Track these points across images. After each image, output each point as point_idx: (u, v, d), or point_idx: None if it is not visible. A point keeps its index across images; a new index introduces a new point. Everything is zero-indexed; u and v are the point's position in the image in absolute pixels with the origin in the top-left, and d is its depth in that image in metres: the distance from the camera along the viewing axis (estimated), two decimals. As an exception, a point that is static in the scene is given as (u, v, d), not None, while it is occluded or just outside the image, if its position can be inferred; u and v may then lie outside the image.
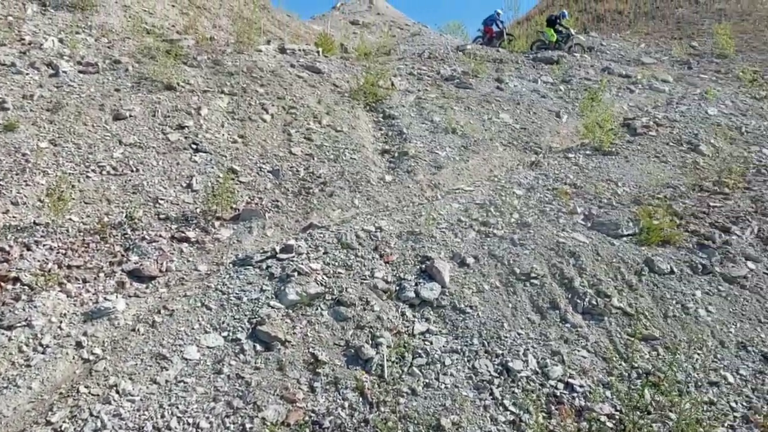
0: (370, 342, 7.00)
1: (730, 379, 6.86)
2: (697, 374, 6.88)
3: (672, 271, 8.52)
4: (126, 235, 8.59)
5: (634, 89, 17.08)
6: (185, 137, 10.88)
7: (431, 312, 7.60)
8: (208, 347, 6.77)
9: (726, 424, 6.25)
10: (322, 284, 7.76)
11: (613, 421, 6.19)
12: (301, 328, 7.14)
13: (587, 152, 12.45)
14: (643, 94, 16.82)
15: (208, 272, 8.22)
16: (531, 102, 15.16)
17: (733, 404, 6.54)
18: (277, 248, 8.39)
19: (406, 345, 7.00)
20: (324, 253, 8.38)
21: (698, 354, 7.18)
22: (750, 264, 8.77)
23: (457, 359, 6.89)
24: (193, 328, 7.00)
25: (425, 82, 15.43)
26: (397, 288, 7.89)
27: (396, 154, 11.82)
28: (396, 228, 9.12)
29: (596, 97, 14.99)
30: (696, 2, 26.20)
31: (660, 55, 21.20)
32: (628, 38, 23.29)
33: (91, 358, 6.50)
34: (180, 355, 6.61)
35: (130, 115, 11.05)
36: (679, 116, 14.56)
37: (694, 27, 23.85)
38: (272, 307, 7.35)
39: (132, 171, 9.85)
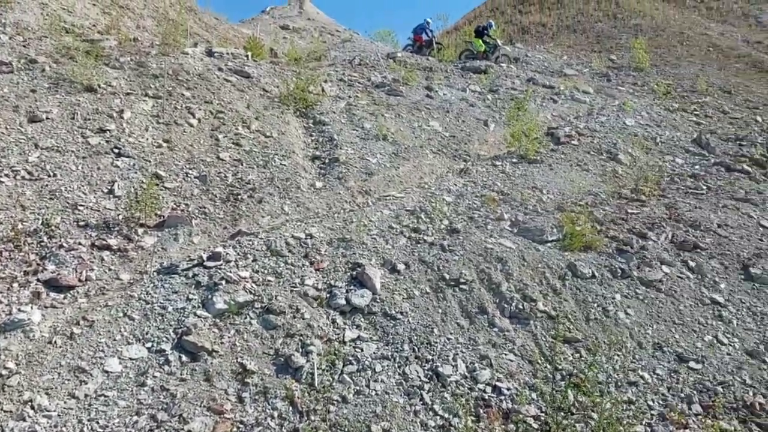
0: (300, 350, 6.92)
1: (648, 379, 7.17)
2: (617, 375, 7.16)
3: (593, 276, 8.84)
4: (42, 243, 8.16)
5: (557, 100, 17.66)
6: (107, 141, 10.45)
7: (362, 319, 7.59)
8: (130, 359, 6.52)
9: (644, 422, 6.53)
10: (251, 292, 7.61)
11: (539, 423, 6.35)
12: (229, 337, 6.98)
13: (514, 160, 12.77)
14: (566, 104, 17.42)
15: (131, 281, 7.92)
16: (460, 110, 15.42)
17: (651, 403, 6.84)
18: (204, 256, 8.17)
19: (336, 352, 6.96)
20: (253, 261, 8.23)
21: (618, 355, 7.48)
22: (665, 268, 9.21)
23: (387, 365, 6.90)
24: (114, 340, 6.72)
25: (356, 88, 15.44)
26: (328, 295, 7.84)
27: (327, 161, 11.77)
28: (327, 235, 9.07)
29: (522, 107, 15.42)
30: (614, 17, 27.41)
31: (581, 67, 22.04)
32: (552, 50, 24.10)
33: (4, 372, 6.13)
34: (100, 367, 6.33)
35: (47, 118, 10.52)
36: (600, 126, 15.16)
37: (613, 41, 24.93)
38: (199, 317, 7.15)
39: (49, 176, 9.37)
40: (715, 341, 7.86)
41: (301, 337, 7.09)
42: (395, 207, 10.19)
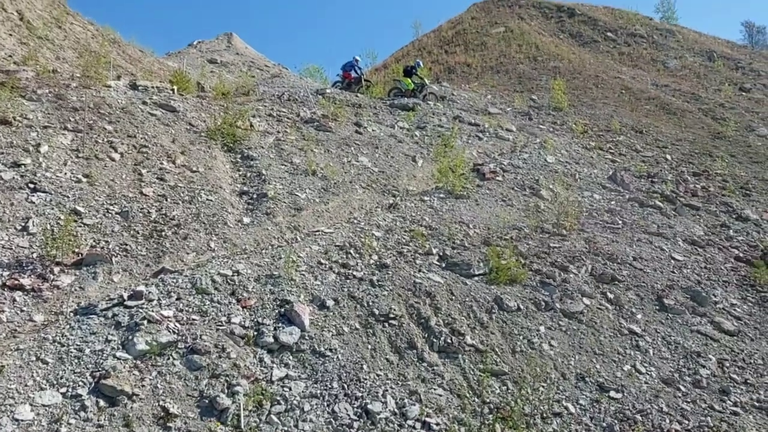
0: (226, 391, 6.71)
1: (571, 409, 7.35)
2: (543, 406, 7.30)
3: (519, 308, 9.06)
4: (-54, 284, 7.65)
5: (482, 137, 18.20)
6: (21, 176, 9.97)
7: (290, 357, 7.47)
8: (43, 405, 6.14)
9: (569, 452, 6.67)
10: (174, 332, 7.36)
11: (469, 457, 6.37)
12: (150, 379, 6.69)
13: (441, 195, 13.02)
14: (491, 141, 17.98)
15: (45, 323, 7.51)
16: (389, 146, 15.65)
17: (575, 432, 7.00)
18: (125, 295, 7.87)
19: (263, 392, 6.80)
20: (177, 299, 7.98)
21: (543, 386, 7.64)
22: (586, 300, 9.54)
23: (316, 404, 6.79)
24: (26, 385, 6.32)
25: (285, 123, 15.43)
26: (255, 333, 7.69)
27: (255, 196, 11.64)
28: (254, 271, 8.92)
29: (449, 144, 15.82)
30: (534, 60, 28.64)
31: (504, 106, 22.83)
32: (476, 90, 24.87)
33: None
34: (10, 415, 5.93)
35: (-45, 151, 9.97)
36: (522, 163, 15.71)
37: (533, 82, 26.01)
38: (118, 359, 6.84)
39: (-45, 212, 8.84)
40: (633, 370, 8.16)
41: (227, 378, 6.90)
42: (324, 242, 10.16)
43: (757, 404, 7.84)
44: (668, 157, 18.11)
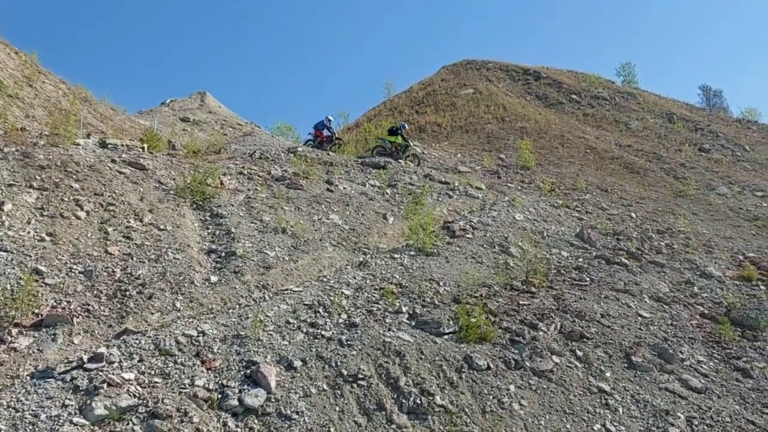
0: (188, 458, 6.48)
1: (543, 471, 7.23)
2: (513, 468, 7.18)
3: (489, 367, 8.99)
4: None
5: (452, 195, 18.45)
6: (-18, 234, 9.77)
7: (255, 420, 7.27)
8: (-8, 477, 5.85)
9: None
10: (135, 396, 7.13)
11: None
12: (108, 447, 6.44)
13: (412, 253, 13.05)
14: (461, 199, 18.22)
15: (0, 387, 7.22)
16: (360, 204, 15.74)
17: (546, 495, 6.87)
18: (85, 357, 7.64)
19: (227, 459, 6.57)
20: (139, 361, 7.77)
21: (514, 448, 7.52)
22: (555, 358, 9.53)
23: (281, 470, 6.58)
24: (-26, 456, 6.03)
25: (256, 181, 15.48)
26: (220, 396, 7.49)
27: (223, 254, 11.53)
28: (220, 332, 8.76)
29: (419, 201, 15.98)
30: (502, 120, 29.41)
31: (474, 164, 23.27)
32: (446, 149, 25.37)
33: None
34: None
35: None
36: (492, 221, 15.90)
37: (502, 141, 26.63)
38: (75, 425, 6.58)
39: None
40: (603, 429, 8.10)
41: (189, 444, 6.67)
42: (293, 301, 10.05)
43: (726, 463, 7.81)
44: (633, 215, 18.52)
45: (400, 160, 21.01)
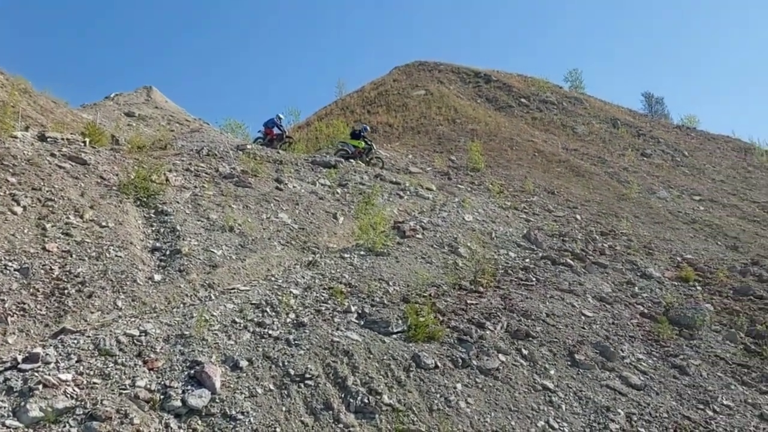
0: (127, 461, 6.28)
1: (488, 468, 7.31)
2: (459, 466, 7.23)
3: (436, 366, 9.03)
4: None
5: (403, 195, 18.51)
6: None
7: (199, 421, 7.11)
8: None
9: None
10: (72, 397, 6.88)
11: None
12: (42, 450, 6.19)
13: (362, 253, 13.02)
14: (411, 200, 18.30)
15: (-74, 390, 6.86)
16: (310, 203, 15.62)
17: (491, 492, 6.94)
18: (20, 357, 7.33)
19: (168, 461, 6.41)
20: (77, 362, 7.49)
21: (460, 445, 7.58)
22: (501, 356, 9.65)
23: (225, 472, 6.45)
24: None
25: (203, 178, 15.17)
26: (162, 397, 7.29)
27: (168, 252, 11.25)
28: (164, 331, 8.54)
29: (370, 201, 15.97)
30: (453, 122, 29.71)
31: (424, 165, 23.42)
32: (398, 149, 25.46)
33: None
34: None
35: None
36: (441, 221, 16.02)
37: (452, 143, 26.89)
38: (8, 427, 6.30)
39: None
40: (547, 426, 8.24)
41: (129, 446, 6.47)
42: (240, 300, 9.89)
43: (663, 457, 8.06)
44: (578, 217, 18.95)
45: (375, 165, 21.01)
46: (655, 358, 10.79)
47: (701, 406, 9.44)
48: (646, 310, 12.72)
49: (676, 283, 14.42)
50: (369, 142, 21.88)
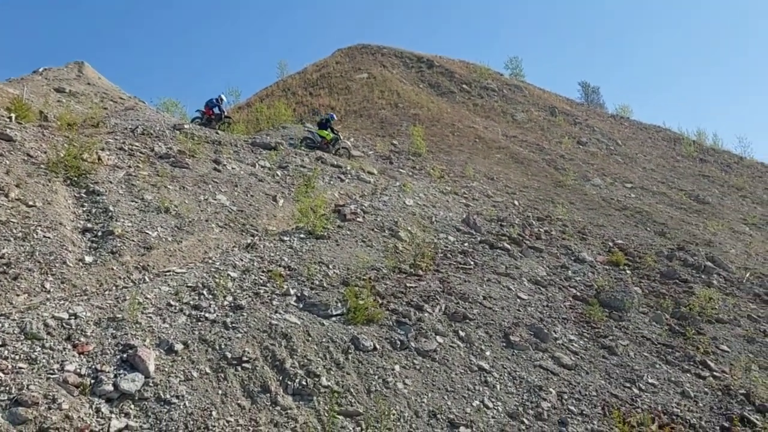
0: (55, 447, 6.08)
1: (423, 447, 7.44)
2: (395, 445, 7.33)
3: (375, 348, 9.10)
4: None
5: (344, 179, 18.44)
6: None
7: (132, 406, 6.95)
8: None
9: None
10: (-5, 383, 6.59)
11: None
12: (-38, 438, 5.92)
13: (302, 236, 12.93)
14: (352, 183, 18.26)
15: None
16: (249, 185, 15.38)
17: (426, 470, 7.07)
18: (-63, 343, 6.97)
19: (99, 446, 6.24)
20: (2, 346, 7.19)
21: (397, 425, 7.68)
22: (439, 338, 9.81)
23: (158, 456, 6.34)
24: None
25: (137, 158, 14.68)
26: (93, 381, 7.09)
27: (100, 234, 10.87)
28: (95, 314, 8.27)
29: (311, 184, 15.84)
30: (396, 106, 29.76)
31: (366, 149, 23.41)
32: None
33: None
34: None
35: None
36: (382, 205, 16.06)
37: (395, 128, 26.95)
38: (-77, 416, 6.00)
39: None
40: (482, 405, 8.44)
41: (57, 431, 6.26)
42: (175, 283, 9.68)
43: (591, 433, 8.38)
44: (516, 202, 19.36)
45: (342, 155, 20.79)
46: (585, 339, 11.18)
47: (628, 385, 9.86)
48: (578, 293, 13.15)
49: (607, 267, 14.96)
50: (336, 132, 21.68)
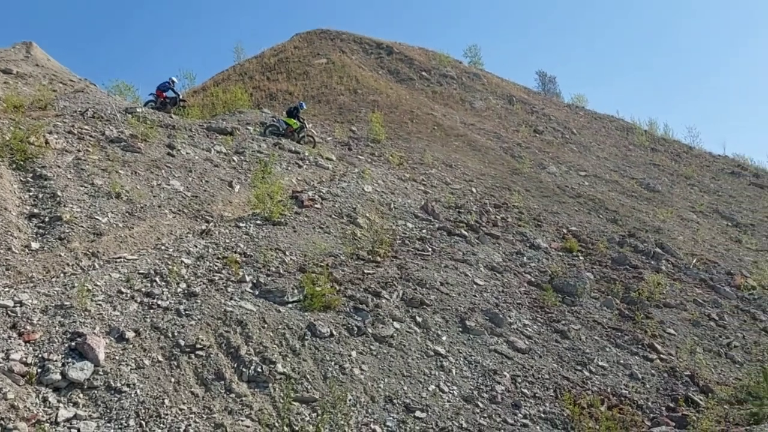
0: (-1, 438, 5.90)
1: (379, 431, 7.48)
2: (351, 431, 7.35)
3: (332, 334, 9.10)
4: None
5: (302, 164, 18.27)
6: None
7: (81, 395, 6.80)
8: None
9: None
10: (-66, 373, 6.35)
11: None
12: None
13: (258, 222, 12.79)
14: (310, 169, 18.11)
15: None
16: (204, 170, 15.10)
17: (381, 455, 7.11)
18: None
19: (46, 436, 6.08)
20: (-59, 335, 6.93)
21: (353, 411, 7.70)
22: (396, 324, 9.85)
23: (108, 446, 6.21)
24: None
25: (87, 142, 14.23)
26: (40, 370, 6.91)
27: (47, 219, 10.53)
28: (42, 302, 8.04)
29: (268, 170, 15.64)
30: (355, 92, 29.56)
31: (325, 135, 23.22)
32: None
33: None
34: None
35: None
36: (341, 192, 15.99)
37: (353, 114, 26.79)
38: None
39: None
40: (437, 390, 8.53)
41: (2, 421, 6.08)
42: (126, 270, 9.46)
43: (543, 415, 8.56)
44: (473, 189, 19.52)
45: (309, 144, 20.49)
46: (539, 324, 11.38)
47: (579, 368, 10.10)
48: (533, 279, 13.36)
49: (561, 254, 15.24)
50: (302, 120, 21.38)
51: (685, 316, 13.02)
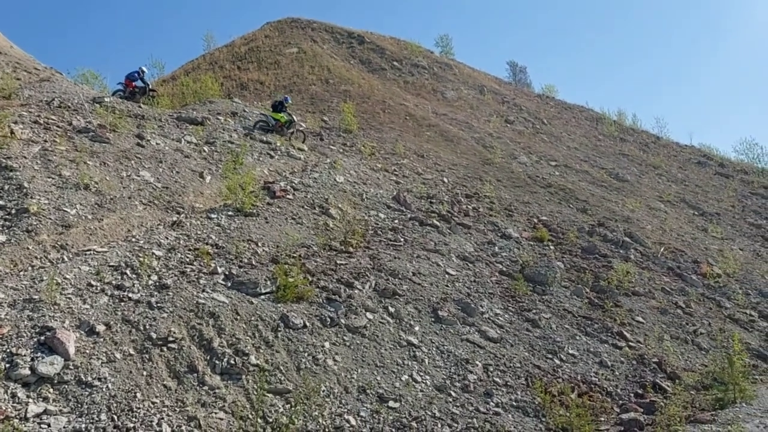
0: (-34, 435, 5.81)
1: (353, 422, 7.55)
2: (325, 421, 7.40)
3: (305, 326, 9.11)
4: None
5: (274, 155, 18.16)
6: None
7: (51, 389, 6.72)
8: None
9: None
10: None
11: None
12: None
13: (230, 213, 12.71)
14: (282, 160, 18.01)
15: None
16: (174, 161, 14.92)
17: (356, 444, 7.18)
18: None
19: (15, 431, 6.00)
20: None
21: (327, 401, 7.75)
22: (369, 314, 9.91)
23: (80, 441, 6.16)
24: None
25: (54, 132, 13.94)
26: (8, 365, 6.81)
27: (13, 211, 10.30)
28: (9, 296, 7.91)
29: (239, 161, 15.52)
30: (326, 82, 29.45)
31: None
32: (269, 108, 24.85)
33: None
34: None
35: None
36: (313, 182, 15.96)
37: (325, 104, 26.69)
38: None
39: None
40: (410, 380, 8.62)
41: (-31, 419, 5.99)
42: (96, 263, 9.34)
43: (515, 404, 8.72)
44: (445, 180, 19.64)
45: (298, 139, 20.28)
46: (511, 313, 11.55)
47: (550, 356, 10.29)
48: (504, 269, 13.54)
49: (532, 243, 15.45)
50: (290, 115, 21.15)
51: (653, 304, 13.32)
